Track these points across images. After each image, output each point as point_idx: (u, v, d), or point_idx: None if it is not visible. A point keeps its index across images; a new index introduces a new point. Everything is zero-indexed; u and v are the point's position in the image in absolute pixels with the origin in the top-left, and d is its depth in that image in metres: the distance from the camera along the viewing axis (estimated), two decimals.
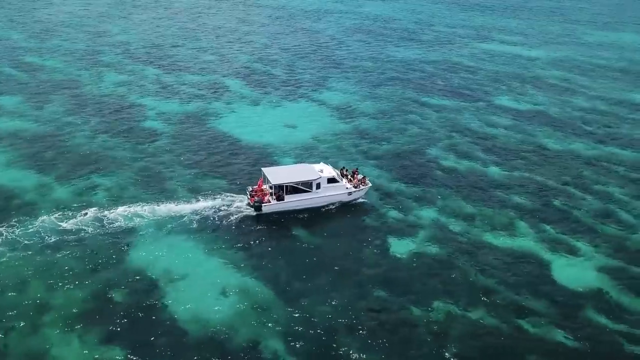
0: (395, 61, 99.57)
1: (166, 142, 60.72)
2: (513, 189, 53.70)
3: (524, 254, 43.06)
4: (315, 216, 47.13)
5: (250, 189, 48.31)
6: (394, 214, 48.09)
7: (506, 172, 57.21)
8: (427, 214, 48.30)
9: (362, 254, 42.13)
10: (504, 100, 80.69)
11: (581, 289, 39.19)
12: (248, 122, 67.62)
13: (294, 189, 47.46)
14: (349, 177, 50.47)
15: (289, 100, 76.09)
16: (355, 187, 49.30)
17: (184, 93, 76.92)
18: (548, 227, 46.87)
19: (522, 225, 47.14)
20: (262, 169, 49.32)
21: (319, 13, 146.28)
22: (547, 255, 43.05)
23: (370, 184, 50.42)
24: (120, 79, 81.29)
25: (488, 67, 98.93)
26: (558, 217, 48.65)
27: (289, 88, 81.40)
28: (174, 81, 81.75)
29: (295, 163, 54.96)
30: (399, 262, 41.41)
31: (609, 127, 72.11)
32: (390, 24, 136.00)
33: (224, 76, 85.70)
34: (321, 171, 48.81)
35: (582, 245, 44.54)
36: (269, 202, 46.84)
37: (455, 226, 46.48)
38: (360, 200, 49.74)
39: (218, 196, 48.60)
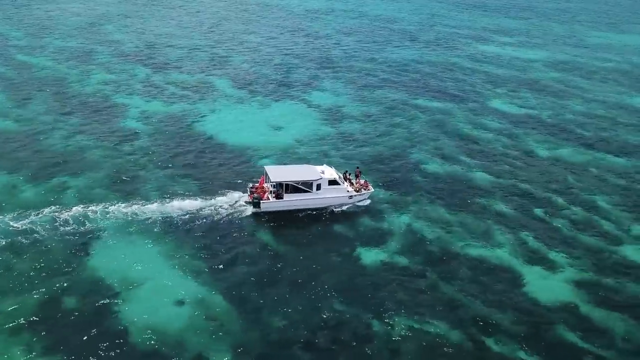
0: (390, 62, 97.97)
1: (145, 142, 59.59)
2: (495, 195, 52.01)
3: (497, 265, 41.40)
4: (301, 219, 46.09)
5: (251, 186, 47.66)
6: (368, 220, 46.59)
7: (490, 178, 55.48)
8: (403, 220, 46.75)
9: (330, 263, 40.62)
10: (497, 103, 78.87)
11: (553, 304, 37.42)
12: (232, 124, 66.35)
13: (294, 189, 46.63)
14: (352, 181, 49.52)
15: (277, 101, 74.78)
16: (357, 191, 48.21)
17: (170, 93, 75.82)
18: (526, 237, 45.13)
19: (500, 234, 45.46)
20: (265, 166, 49.25)
21: (317, 12, 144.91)
22: (521, 266, 41.34)
23: (372, 189, 49.37)
24: (107, 78, 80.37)
25: (485, 68, 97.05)
26: (538, 227, 46.90)
27: (277, 88, 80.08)
28: (161, 80, 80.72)
29: (277, 165, 53.55)
30: (365, 272, 39.89)
31: (603, 132, 70.10)
32: (389, 24, 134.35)
33: (213, 76, 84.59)
34: (322, 172, 48.02)
35: (559, 257, 42.72)
36: (268, 199, 45.96)
37: (430, 234, 44.89)
38: (357, 204, 48.53)
39: (189, 199, 47.30)
